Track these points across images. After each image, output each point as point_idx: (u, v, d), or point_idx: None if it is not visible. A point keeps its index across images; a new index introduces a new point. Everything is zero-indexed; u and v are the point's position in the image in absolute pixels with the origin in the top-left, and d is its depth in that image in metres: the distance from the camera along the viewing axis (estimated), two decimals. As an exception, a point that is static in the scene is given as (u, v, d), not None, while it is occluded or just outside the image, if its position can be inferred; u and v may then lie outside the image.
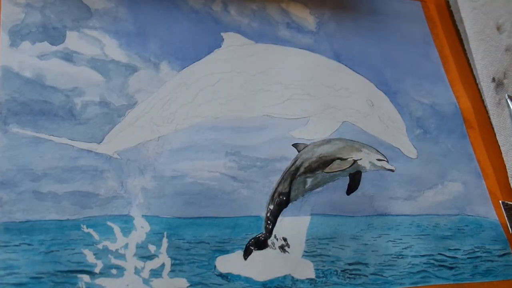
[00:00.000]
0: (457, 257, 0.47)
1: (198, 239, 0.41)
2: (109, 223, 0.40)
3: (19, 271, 0.36)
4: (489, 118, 0.56)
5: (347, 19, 0.58)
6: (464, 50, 0.61)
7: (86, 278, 0.37)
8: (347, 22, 0.58)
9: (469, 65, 0.60)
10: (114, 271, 0.38)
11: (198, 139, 0.46)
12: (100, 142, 0.43)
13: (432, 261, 0.46)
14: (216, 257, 0.41)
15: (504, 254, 0.48)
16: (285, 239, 0.44)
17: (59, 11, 0.47)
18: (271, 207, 0.44)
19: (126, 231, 0.40)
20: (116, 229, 0.40)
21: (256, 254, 0.42)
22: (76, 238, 0.39)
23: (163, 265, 0.39)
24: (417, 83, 0.57)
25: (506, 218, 0.50)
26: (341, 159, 0.48)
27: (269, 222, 0.44)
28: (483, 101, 0.57)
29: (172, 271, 0.39)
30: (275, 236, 0.44)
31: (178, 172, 0.44)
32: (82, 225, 0.39)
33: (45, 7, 0.47)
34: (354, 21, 0.58)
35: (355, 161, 0.48)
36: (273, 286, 0.41)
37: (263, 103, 0.49)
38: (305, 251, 0.44)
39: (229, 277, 0.40)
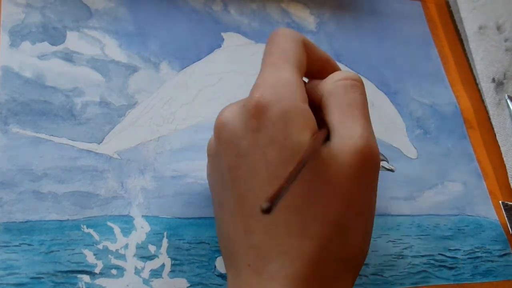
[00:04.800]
0: (457, 257, 0.47)
1: (198, 239, 0.41)
2: (109, 223, 0.40)
3: (19, 271, 0.36)
4: (489, 118, 0.56)
5: (347, 19, 0.58)
6: (464, 50, 0.61)
7: (86, 278, 0.37)
8: (347, 22, 0.58)
9: (469, 65, 0.60)
10: (114, 271, 0.38)
11: (198, 139, 0.46)
12: (100, 142, 0.43)
13: (432, 261, 0.46)
14: (216, 257, 0.41)
15: (504, 255, 0.48)
16: (285, 239, 0.44)
17: (59, 11, 0.47)
18: (271, 207, 0.44)
19: (126, 231, 0.40)
20: (116, 229, 0.40)
21: (256, 254, 0.42)
22: (76, 238, 0.39)
23: (163, 265, 0.39)
24: (417, 83, 0.57)
25: (506, 218, 0.50)
26: (341, 159, 0.48)
27: (269, 222, 0.44)
28: (483, 101, 0.57)
29: (172, 271, 0.39)
30: (275, 236, 0.44)
31: (178, 172, 0.44)
32: (82, 225, 0.39)
33: (45, 7, 0.47)
34: (354, 21, 0.58)
35: (355, 161, 0.48)
36: (273, 286, 0.41)
37: (263, 103, 0.49)
38: (305, 251, 0.44)
39: (229, 277, 0.40)
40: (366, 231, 0.33)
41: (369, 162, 0.31)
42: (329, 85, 0.33)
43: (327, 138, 0.32)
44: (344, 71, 0.35)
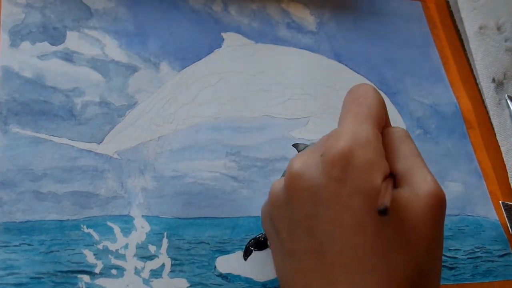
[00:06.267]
0: (457, 257, 0.47)
1: (198, 239, 0.41)
2: (109, 223, 0.40)
3: (19, 271, 0.36)
4: (489, 118, 0.56)
5: (347, 19, 0.58)
6: (464, 50, 0.61)
7: (86, 278, 0.37)
8: (347, 22, 0.58)
9: (469, 65, 0.60)
10: (114, 272, 0.38)
11: (198, 139, 0.46)
12: (100, 142, 0.43)
13: (432, 261, 0.46)
14: (216, 257, 0.41)
15: (504, 255, 0.48)
16: (285, 239, 0.44)
17: (59, 11, 0.47)
18: (271, 207, 0.44)
19: (126, 231, 0.40)
20: (116, 229, 0.40)
21: (256, 254, 0.42)
22: (76, 238, 0.39)
23: (163, 265, 0.39)
24: (417, 83, 0.57)
25: (506, 218, 0.50)
26: (341, 159, 0.48)
27: (269, 222, 0.44)
28: (483, 101, 0.57)
29: (172, 271, 0.39)
30: (275, 236, 0.44)
31: (178, 172, 0.44)
32: (82, 225, 0.39)
33: (45, 7, 0.47)
34: (355, 21, 0.58)
35: (355, 161, 0.48)
36: (273, 286, 0.41)
37: (263, 103, 0.49)
38: (305, 251, 0.44)
39: (229, 277, 0.40)
40: (440, 275, 0.34)
41: (442, 204, 0.32)
42: (390, 138, 0.35)
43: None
44: (395, 126, 0.37)
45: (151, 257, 0.40)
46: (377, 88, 0.36)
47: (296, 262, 0.33)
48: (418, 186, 0.32)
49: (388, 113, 0.54)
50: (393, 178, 0.33)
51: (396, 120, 0.53)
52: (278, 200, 0.34)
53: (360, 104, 0.34)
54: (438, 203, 0.32)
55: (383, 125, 0.35)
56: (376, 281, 0.30)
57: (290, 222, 0.33)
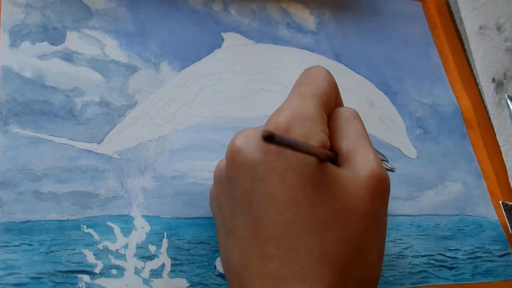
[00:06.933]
0: (457, 257, 0.47)
1: (198, 239, 0.41)
2: (109, 223, 0.40)
3: (19, 271, 0.36)
4: (489, 118, 0.56)
5: (347, 19, 0.58)
6: (464, 50, 0.61)
7: (86, 278, 0.37)
8: (347, 22, 0.58)
9: (469, 65, 0.60)
10: (114, 271, 0.38)
11: (199, 139, 0.46)
12: (100, 142, 0.43)
13: (432, 262, 0.46)
14: (216, 257, 0.41)
15: (504, 255, 0.48)
16: (285, 239, 0.44)
17: (59, 11, 0.47)
18: (271, 207, 0.44)
19: (126, 231, 0.40)
20: (116, 229, 0.40)
21: (256, 254, 0.42)
22: (76, 238, 0.39)
23: (163, 265, 0.39)
24: (417, 83, 0.57)
25: (506, 218, 0.50)
26: (341, 159, 0.48)
27: (269, 222, 0.44)
28: (483, 101, 0.57)
29: (172, 271, 0.39)
30: (275, 236, 0.44)
31: (178, 172, 0.44)
32: (82, 225, 0.39)
33: (45, 7, 0.47)
34: (355, 21, 0.58)
35: (355, 161, 0.48)
36: (273, 286, 0.41)
37: (263, 103, 0.49)
38: (305, 251, 0.44)
39: (229, 277, 0.40)
40: (381, 251, 0.34)
41: (383, 185, 0.32)
42: (337, 119, 0.35)
43: (334, 162, 0.33)
44: (344, 107, 0.37)
45: (151, 257, 0.40)
46: (330, 72, 0.36)
47: (236, 239, 0.33)
48: (360, 166, 0.32)
49: (388, 113, 0.54)
50: (336, 156, 0.33)
51: (396, 120, 0.54)
52: (221, 177, 0.34)
53: (307, 84, 0.35)
54: (379, 183, 0.32)
55: (331, 106, 0.35)
56: (307, 259, 0.30)
57: (231, 200, 0.33)
